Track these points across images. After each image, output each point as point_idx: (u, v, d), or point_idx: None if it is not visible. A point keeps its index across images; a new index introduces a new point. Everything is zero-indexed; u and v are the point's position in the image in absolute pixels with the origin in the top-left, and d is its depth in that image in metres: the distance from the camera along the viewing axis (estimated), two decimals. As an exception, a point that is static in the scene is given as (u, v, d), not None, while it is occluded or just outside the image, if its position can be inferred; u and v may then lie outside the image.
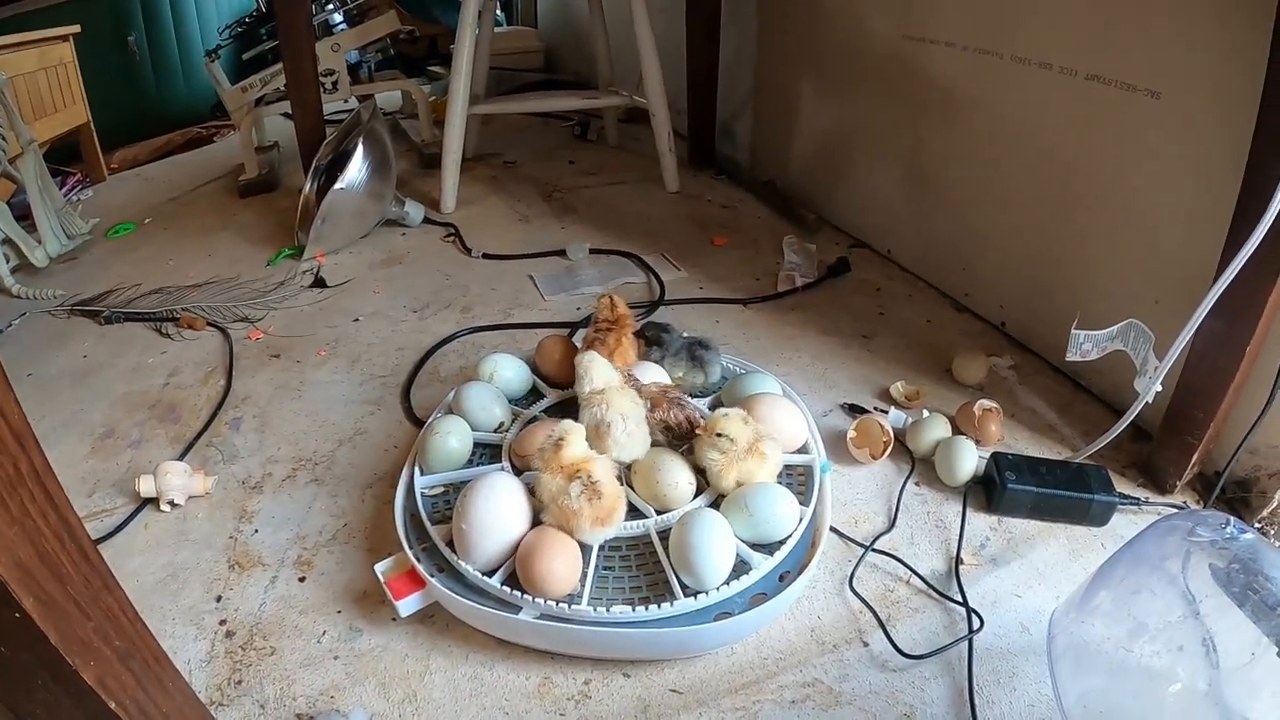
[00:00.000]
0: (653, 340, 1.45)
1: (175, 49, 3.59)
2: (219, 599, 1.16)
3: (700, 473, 1.19)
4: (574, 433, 1.09)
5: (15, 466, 0.58)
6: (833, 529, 1.22)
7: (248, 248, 2.33)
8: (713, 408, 1.36)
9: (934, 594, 1.14)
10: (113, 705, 0.66)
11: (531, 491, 1.12)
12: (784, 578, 1.09)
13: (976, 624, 1.08)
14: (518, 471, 1.22)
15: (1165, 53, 1.28)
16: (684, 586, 1.04)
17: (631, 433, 1.17)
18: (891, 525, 1.26)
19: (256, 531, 1.28)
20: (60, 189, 2.46)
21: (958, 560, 1.19)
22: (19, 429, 0.58)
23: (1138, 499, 1.27)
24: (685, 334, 1.47)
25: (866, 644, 1.07)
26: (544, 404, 1.40)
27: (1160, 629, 0.86)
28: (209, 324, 1.90)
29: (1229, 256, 1.06)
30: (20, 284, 2.03)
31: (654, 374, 1.34)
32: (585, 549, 1.08)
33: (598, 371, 1.22)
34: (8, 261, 2.04)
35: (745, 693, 1.01)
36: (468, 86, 2.40)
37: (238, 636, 1.10)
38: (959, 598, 1.12)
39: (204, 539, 1.27)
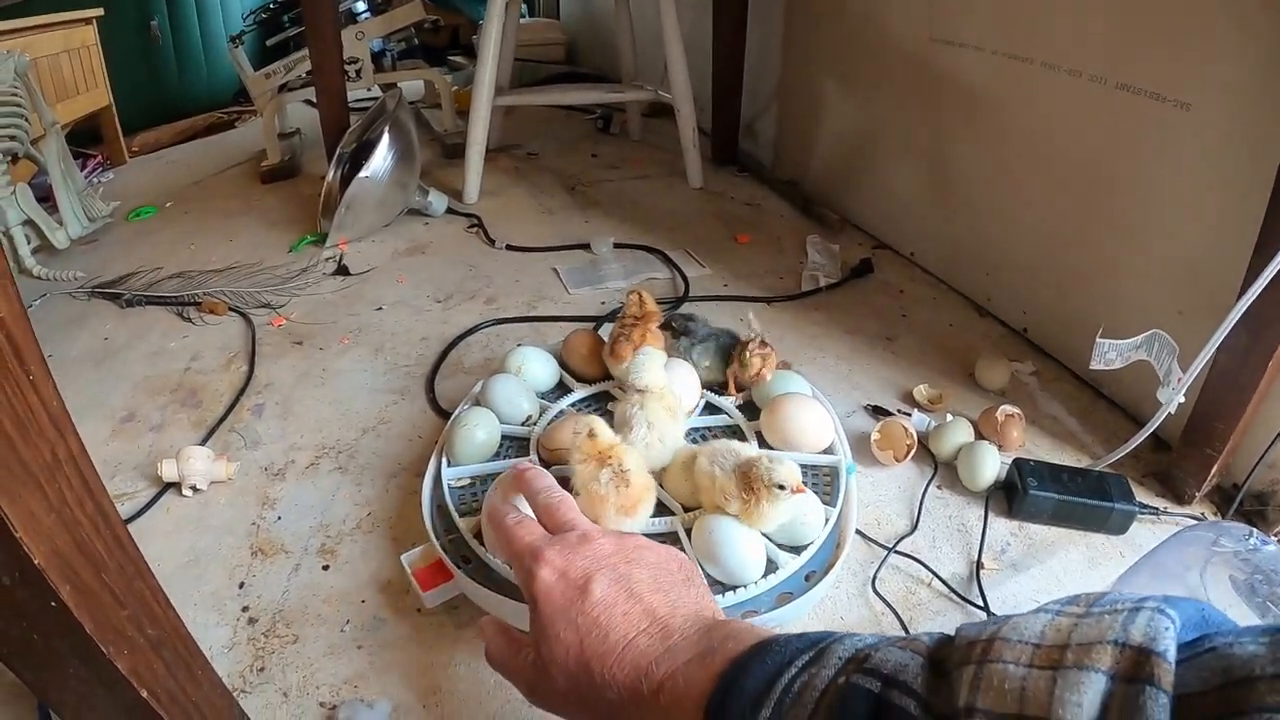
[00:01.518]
0: (680, 330, 1.44)
1: (198, 33, 3.59)
2: (241, 585, 1.16)
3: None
4: (598, 424, 1.09)
5: (53, 452, 0.58)
6: (857, 531, 1.22)
7: (269, 234, 2.33)
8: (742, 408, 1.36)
9: (955, 597, 1.14)
10: (145, 694, 0.66)
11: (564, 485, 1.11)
12: (809, 578, 1.09)
13: (998, 629, 1.07)
14: (546, 465, 1.22)
15: (1196, 64, 1.27)
16: (711, 584, 1.04)
17: (651, 443, 1.17)
18: (914, 528, 1.26)
19: (279, 519, 1.28)
20: (81, 171, 2.46)
21: (979, 564, 1.18)
22: (57, 414, 0.58)
23: (1157, 508, 1.27)
24: (710, 326, 1.46)
25: (888, 646, 1.07)
26: (571, 398, 1.40)
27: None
28: (231, 309, 1.90)
29: (1256, 270, 1.05)
30: (41, 265, 2.03)
31: (681, 371, 1.34)
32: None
33: (651, 370, 1.22)
34: (29, 242, 2.04)
35: (767, 692, 1.01)
36: (493, 77, 2.40)
37: (260, 624, 1.10)
38: (979, 601, 1.12)
39: (226, 525, 1.27)
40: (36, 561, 0.55)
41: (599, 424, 1.08)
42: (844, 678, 0.46)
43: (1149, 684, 0.34)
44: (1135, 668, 0.35)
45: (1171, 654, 0.35)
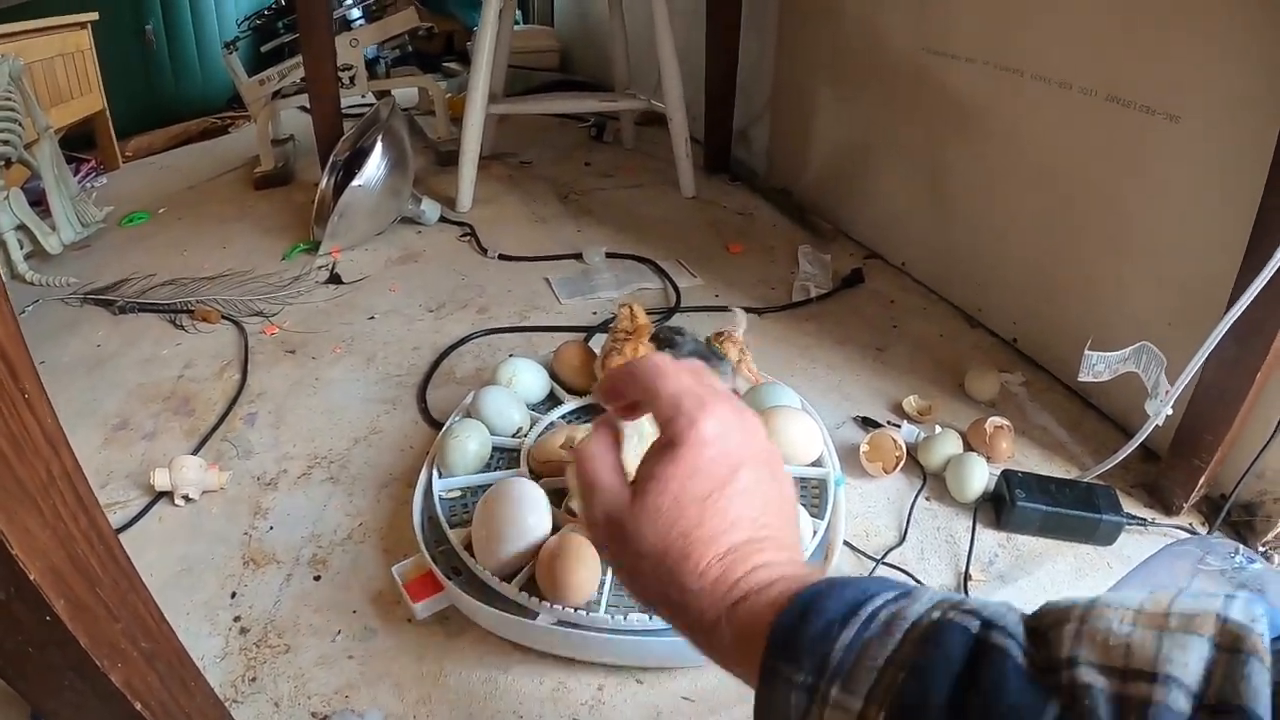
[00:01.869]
0: (665, 342, 1.45)
1: (192, 39, 3.59)
2: (233, 595, 1.17)
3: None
4: (583, 434, 1.09)
5: (48, 470, 0.58)
6: (845, 543, 1.22)
7: (262, 241, 2.33)
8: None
9: (943, 610, 1.14)
10: (139, 706, 0.67)
11: (552, 500, 1.12)
12: (797, 590, 1.09)
13: (985, 641, 1.08)
14: (536, 477, 1.23)
15: (1186, 77, 1.29)
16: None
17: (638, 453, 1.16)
18: (902, 539, 1.27)
19: (271, 528, 1.29)
20: (74, 176, 2.46)
21: (966, 576, 1.20)
22: (52, 432, 0.58)
23: (1144, 519, 1.28)
24: (697, 339, 1.47)
25: (876, 658, 1.08)
26: (562, 410, 1.41)
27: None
28: (224, 317, 1.90)
29: (1244, 283, 1.06)
30: (34, 270, 2.03)
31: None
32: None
33: None
34: (21, 247, 2.04)
35: (756, 704, 1.02)
36: (487, 85, 2.41)
37: (252, 633, 1.11)
38: (968, 614, 1.13)
39: (218, 534, 1.28)
40: (32, 577, 0.55)
41: (583, 434, 1.09)
42: (939, 613, 0.44)
43: (1252, 656, 0.35)
44: (1237, 641, 0.36)
45: (1268, 638, 0.36)
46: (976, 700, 0.39)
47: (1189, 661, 0.35)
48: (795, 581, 0.50)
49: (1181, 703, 0.34)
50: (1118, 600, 0.41)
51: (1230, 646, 0.36)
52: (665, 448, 0.57)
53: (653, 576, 0.54)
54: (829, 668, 0.43)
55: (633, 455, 1.15)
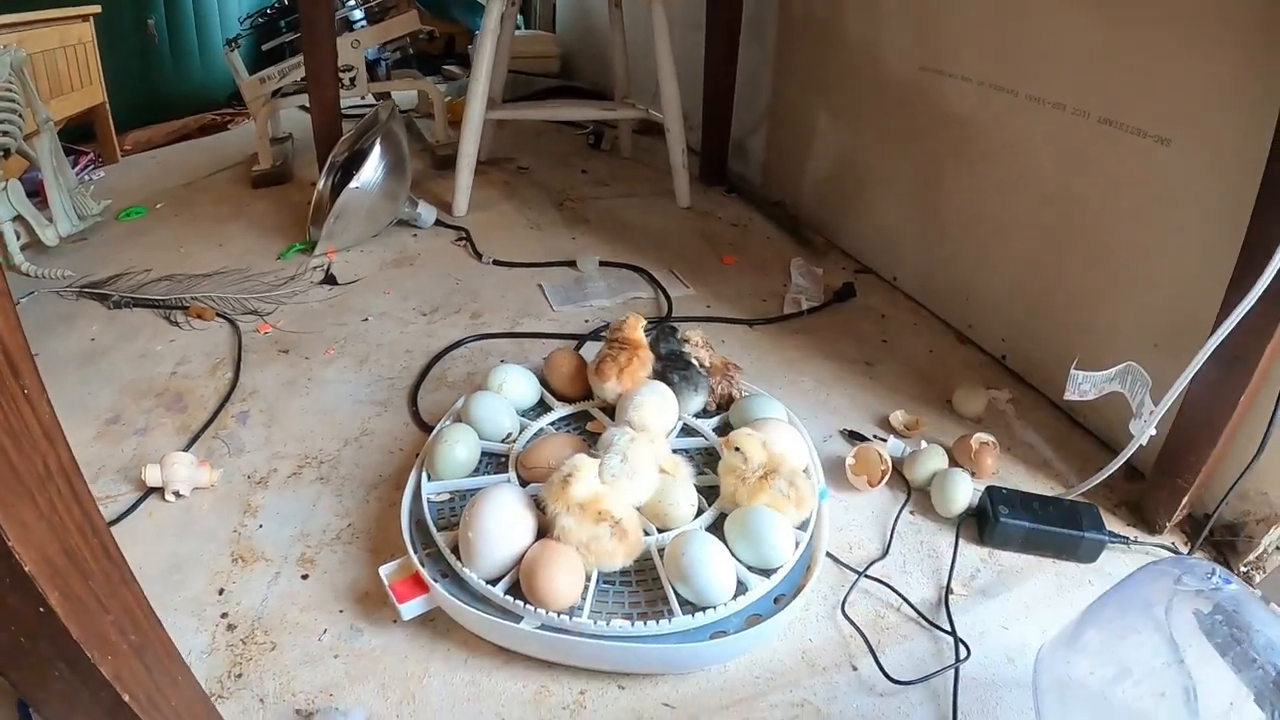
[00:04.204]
0: (664, 357, 1.45)
1: (194, 34, 3.60)
2: (221, 592, 1.18)
3: (703, 493, 1.23)
4: (584, 468, 1.11)
5: (45, 464, 0.59)
6: (828, 554, 1.24)
7: (259, 240, 2.34)
8: (720, 430, 1.38)
9: (923, 622, 1.16)
10: (127, 698, 0.68)
11: (538, 505, 1.13)
12: (779, 600, 1.11)
13: (964, 654, 1.10)
14: (524, 483, 1.24)
15: (1178, 102, 1.30)
16: (682, 604, 1.06)
17: (615, 473, 1.15)
18: (885, 553, 1.28)
19: (261, 526, 1.30)
20: (73, 168, 2.46)
21: (948, 590, 1.21)
22: (49, 426, 0.59)
23: (1126, 538, 1.29)
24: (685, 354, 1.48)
25: (855, 668, 1.09)
26: (551, 416, 1.42)
27: (1145, 674, 0.88)
28: (218, 315, 1.91)
29: (1230, 305, 1.08)
30: (30, 262, 2.04)
31: (662, 394, 1.35)
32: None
33: (648, 410, 1.24)
34: (18, 239, 2.05)
35: (736, 710, 1.03)
36: (486, 90, 2.42)
37: (239, 630, 1.12)
38: (948, 627, 1.14)
39: (208, 531, 1.29)
40: (26, 568, 0.56)
41: (583, 467, 1.11)
42: None
43: None
44: None
45: None
46: None
47: None
48: None
49: None
50: None
51: None
52: None
53: None
54: None
55: (607, 474, 1.17)
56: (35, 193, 2.18)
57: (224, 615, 1.14)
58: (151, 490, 1.35)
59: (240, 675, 1.05)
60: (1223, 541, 1.31)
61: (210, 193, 2.75)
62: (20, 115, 2.03)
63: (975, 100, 1.75)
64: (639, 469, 1.16)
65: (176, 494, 1.33)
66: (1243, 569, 1.27)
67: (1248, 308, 1.05)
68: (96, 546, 0.65)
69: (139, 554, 1.22)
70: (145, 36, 3.40)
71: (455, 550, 1.12)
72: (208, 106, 3.71)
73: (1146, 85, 1.36)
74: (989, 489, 1.32)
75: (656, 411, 1.29)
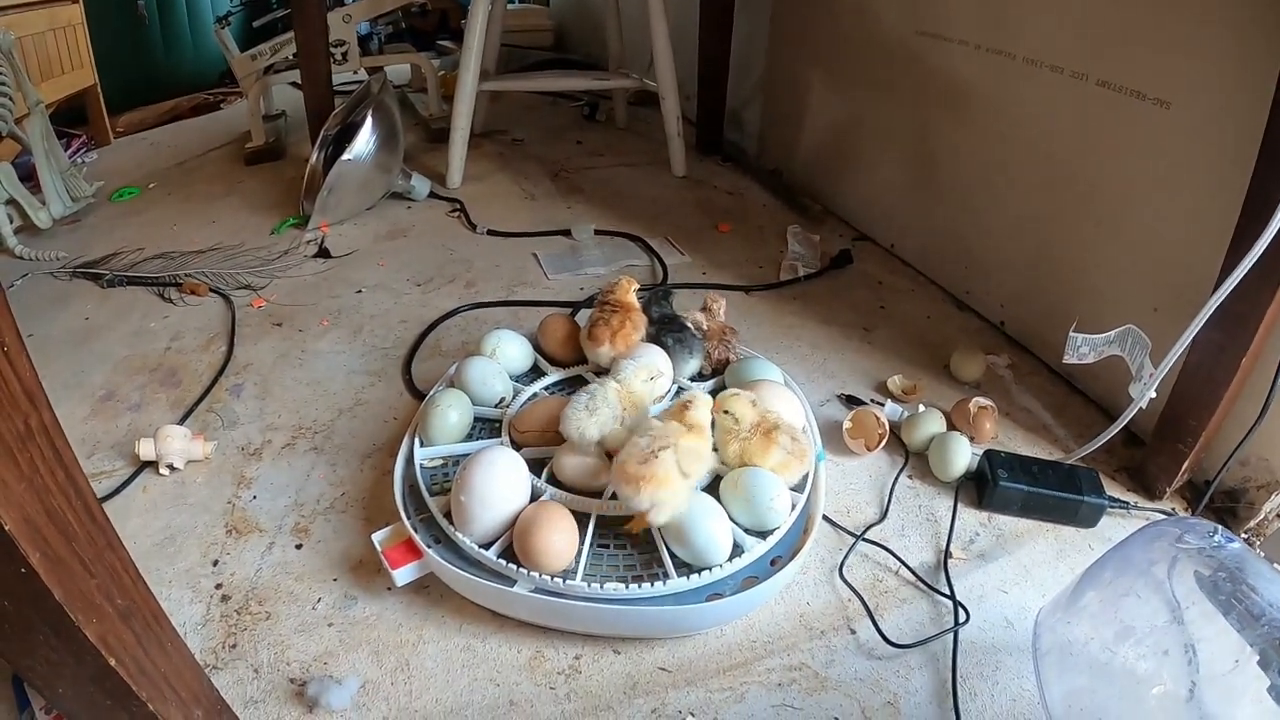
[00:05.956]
0: (657, 321, 1.44)
1: (184, 14, 3.57)
2: (215, 563, 1.17)
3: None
4: (701, 396, 1.16)
5: (25, 423, 0.58)
6: (825, 517, 1.23)
7: (252, 216, 2.33)
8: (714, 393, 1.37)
9: (922, 586, 1.15)
10: (112, 662, 0.67)
11: (532, 469, 1.13)
12: (775, 562, 1.10)
13: (962, 617, 1.09)
14: (517, 446, 1.23)
15: (1176, 63, 1.29)
16: (677, 566, 1.05)
17: (582, 409, 1.16)
18: (883, 516, 1.27)
19: (255, 498, 1.29)
20: (65, 151, 2.45)
21: (947, 554, 1.20)
22: (30, 385, 0.59)
23: (1127, 503, 1.29)
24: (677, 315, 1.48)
25: (854, 631, 1.08)
26: (545, 381, 1.41)
27: (1146, 633, 0.87)
28: (212, 290, 1.90)
29: (1230, 268, 1.07)
30: (23, 245, 2.04)
31: (653, 355, 1.34)
32: (582, 526, 1.09)
33: (636, 376, 1.23)
34: (11, 222, 2.04)
35: (733, 674, 1.02)
36: (479, 62, 2.40)
37: (233, 601, 1.11)
38: (946, 590, 1.14)
39: (202, 504, 1.28)
40: (7, 528, 0.55)
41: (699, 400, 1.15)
42: None
43: None
44: None
45: None
46: None
47: None
48: None
49: None
50: None
51: None
52: None
53: None
54: None
55: (593, 420, 1.16)
56: (28, 176, 2.17)
57: (218, 586, 1.13)
58: (146, 465, 1.34)
59: (235, 645, 1.05)
60: (1223, 508, 1.30)
61: (203, 171, 2.73)
62: (11, 98, 2.02)
63: (972, 64, 1.73)
64: (612, 410, 1.18)
65: (170, 467, 1.33)
66: (1243, 535, 1.26)
67: (1248, 268, 1.04)
68: (80, 508, 0.64)
69: (134, 527, 1.22)
70: (135, 17, 3.37)
71: (449, 515, 1.12)
72: (200, 86, 3.69)
73: (1145, 47, 1.34)
74: (988, 453, 1.32)
75: (642, 381, 1.27)
